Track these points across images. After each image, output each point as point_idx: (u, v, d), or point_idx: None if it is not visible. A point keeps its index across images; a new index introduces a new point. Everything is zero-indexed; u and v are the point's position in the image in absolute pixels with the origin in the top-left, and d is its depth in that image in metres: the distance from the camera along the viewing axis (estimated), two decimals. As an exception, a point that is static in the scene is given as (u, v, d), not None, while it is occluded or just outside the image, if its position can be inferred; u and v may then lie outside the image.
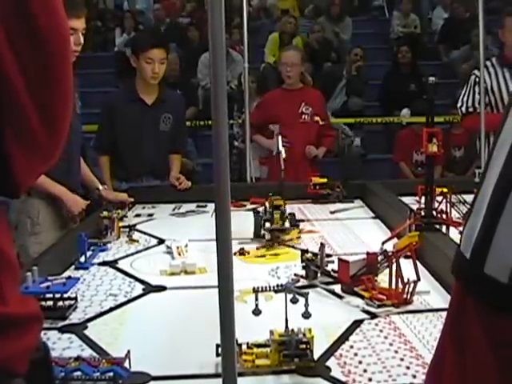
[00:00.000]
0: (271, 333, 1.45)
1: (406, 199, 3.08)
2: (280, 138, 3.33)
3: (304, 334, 1.43)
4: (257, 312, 1.51)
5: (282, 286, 1.51)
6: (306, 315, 1.49)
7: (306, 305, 1.48)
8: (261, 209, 2.87)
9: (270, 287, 1.54)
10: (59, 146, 0.76)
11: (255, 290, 1.53)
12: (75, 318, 1.80)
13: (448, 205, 2.62)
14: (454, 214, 2.68)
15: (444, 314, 1.71)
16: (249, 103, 4.30)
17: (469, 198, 3.02)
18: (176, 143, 3.77)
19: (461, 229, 2.44)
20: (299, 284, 2.02)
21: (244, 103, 4.25)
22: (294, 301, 1.51)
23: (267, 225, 2.60)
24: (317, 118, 4.51)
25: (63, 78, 0.73)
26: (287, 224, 2.63)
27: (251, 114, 4.48)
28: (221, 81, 1.08)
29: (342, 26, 9.25)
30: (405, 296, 1.80)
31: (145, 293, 2.03)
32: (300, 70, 4.57)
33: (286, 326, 1.44)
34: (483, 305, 0.65)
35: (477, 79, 3.84)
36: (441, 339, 0.77)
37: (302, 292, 1.47)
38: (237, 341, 1.38)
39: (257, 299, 1.53)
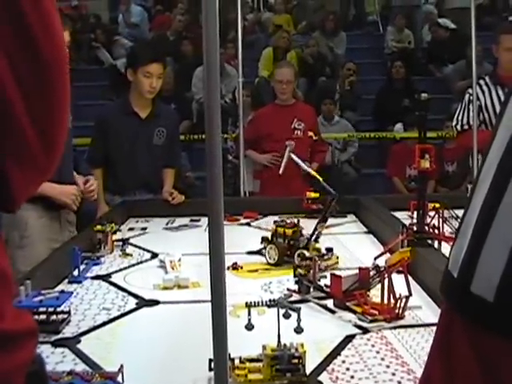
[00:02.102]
0: (264, 347, 1.45)
1: (399, 214, 3.10)
2: (290, 155, 3.32)
3: (296, 349, 1.43)
4: (249, 327, 1.52)
5: (274, 300, 1.51)
6: (298, 330, 1.50)
7: (298, 320, 1.49)
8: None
9: (262, 302, 1.55)
10: (55, 162, 0.77)
11: (248, 305, 1.54)
12: (68, 332, 1.80)
13: (440, 220, 2.64)
14: (447, 230, 2.70)
15: (435, 328, 1.74)
16: (243, 117, 4.32)
17: (461, 213, 3.03)
18: (169, 157, 3.79)
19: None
20: (292, 299, 2.03)
21: (238, 117, 4.27)
22: (287, 316, 1.52)
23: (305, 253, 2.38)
24: (310, 133, 4.54)
25: (62, 101, 0.75)
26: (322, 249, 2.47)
27: (244, 129, 4.50)
28: (214, 96, 1.09)
29: (336, 41, 9.31)
30: (397, 311, 1.81)
31: (138, 307, 2.03)
32: (293, 86, 4.61)
33: (279, 341, 1.45)
34: (470, 323, 0.66)
35: (471, 97, 3.88)
36: (429, 356, 0.79)
37: (294, 307, 1.48)
38: (229, 355, 1.39)
39: (249, 314, 1.53)
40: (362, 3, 10.98)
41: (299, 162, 3.30)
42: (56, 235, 3.02)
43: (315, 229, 2.51)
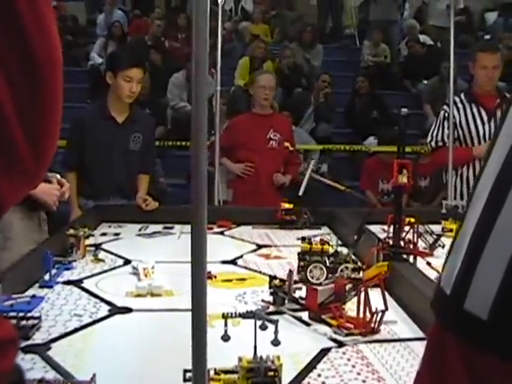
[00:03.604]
0: (239, 359, 1.43)
1: (373, 227, 3.10)
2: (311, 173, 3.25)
3: (273, 362, 1.41)
4: (226, 338, 1.50)
5: (252, 312, 1.50)
6: (276, 342, 1.49)
7: (276, 332, 1.48)
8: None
9: (240, 313, 1.53)
10: (44, 169, 0.75)
11: (225, 316, 1.52)
12: (39, 338, 1.76)
13: (415, 235, 2.65)
14: (420, 244, 2.71)
15: (411, 344, 1.74)
16: (219, 125, 4.31)
17: (435, 228, 3.06)
18: (145, 163, 3.76)
19: (428, 259, 2.48)
20: (269, 310, 2.02)
21: (213, 125, 4.26)
22: (263, 327, 1.50)
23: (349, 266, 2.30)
24: (287, 144, 4.54)
25: (54, 104, 0.73)
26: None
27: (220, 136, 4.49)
28: (202, 105, 1.08)
29: (313, 53, 9.36)
30: (372, 325, 1.80)
31: (110, 314, 2.00)
32: (274, 95, 4.62)
33: (255, 353, 1.43)
34: (463, 341, 0.65)
35: (446, 114, 3.92)
36: (419, 374, 0.77)
37: (272, 319, 1.46)
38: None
39: (226, 325, 1.52)
40: (339, 16, 11.06)
41: (322, 179, 3.25)
42: (36, 236, 2.97)
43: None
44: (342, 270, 2.29)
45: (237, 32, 10.68)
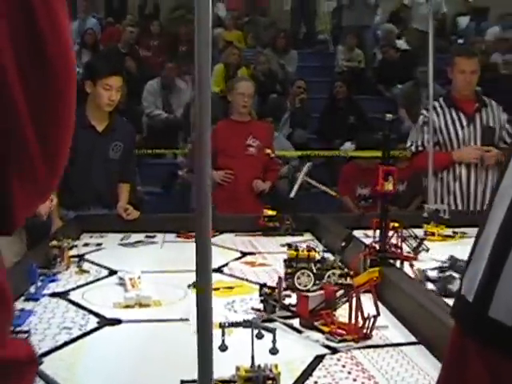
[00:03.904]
0: (237, 369, 1.43)
1: (355, 233, 3.11)
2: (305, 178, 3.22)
3: (271, 370, 1.41)
4: (223, 347, 1.49)
5: (249, 321, 1.49)
6: (274, 351, 1.48)
7: (274, 341, 1.47)
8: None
9: (237, 322, 1.53)
10: (56, 181, 0.74)
11: (222, 326, 1.51)
12: (29, 352, 1.73)
13: (399, 239, 2.66)
14: (404, 249, 2.72)
15: (404, 348, 1.75)
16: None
17: (417, 232, 3.07)
18: (125, 172, 3.73)
19: (413, 263, 2.49)
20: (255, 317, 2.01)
21: (189, 133, 4.23)
22: (260, 336, 1.50)
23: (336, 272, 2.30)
24: (268, 151, 4.54)
25: (67, 115, 0.72)
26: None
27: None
28: (205, 112, 1.07)
29: (287, 59, 9.37)
30: (365, 331, 1.80)
31: (100, 326, 1.98)
32: (252, 102, 4.62)
33: (253, 362, 1.42)
34: (487, 347, 0.65)
35: (425, 119, 3.94)
36: (440, 381, 0.77)
37: (269, 327, 1.46)
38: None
39: (223, 335, 1.51)
40: (312, 22, 11.10)
41: (316, 184, 3.24)
42: (17, 247, 2.93)
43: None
44: (329, 276, 2.29)
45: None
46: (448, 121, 3.95)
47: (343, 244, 2.45)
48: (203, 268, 1.02)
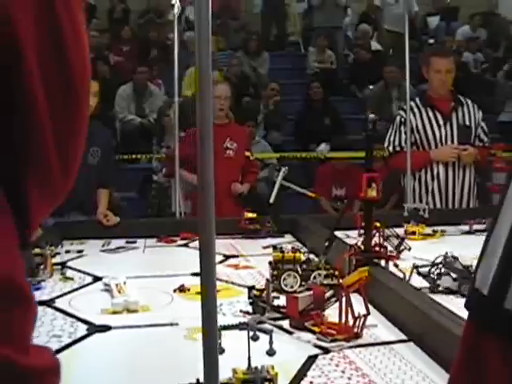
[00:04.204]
0: (234, 371, 1.43)
1: (335, 233, 3.12)
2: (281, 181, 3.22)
3: (268, 371, 1.42)
4: (220, 350, 1.50)
5: (245, 323, 1.50)
6: (271, 352, 1.49)
7: (271, 342, 1.48)
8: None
9: (233, 325, 1.53)
10: (70, 185, 0.74)
11: (218, 328, 1.51)
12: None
13: (381, 239, 2.68)
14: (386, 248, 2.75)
15: (395, 346, 1.77)
16: (169, 137, 4.27)
17: (398, 231, 3.10)
18: (103, 177, 3.71)
19: (397, 262, 2.51)
20: (244, 320, 2.01)
21: (163, 137, 4.21)
22: (255, 338, 1.50)
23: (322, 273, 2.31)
24: (247, 154, 4.54)
25: (83, 126, 0.72)
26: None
27: (173, 147, 4.45)
28: (207, 116, 1.07)
29: (259, 61, 9.39)
30: (355, 330, 1.82)
31: (89, 333, 1.97)
32: (229, 104, 4.62)
33: (249, 364, 1.43)
34: (504, 340, 0.66)
35: (402, 119, 3.98)
36: (453, 380, 0.78)
37: (266, 329, 1.47)
38: (198, 380, 1.37)
39: (220, 337, 1.51)
40: (283, 24, 11.13)
41: (293, 186, 3.25)
42: None
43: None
44: (314, 277, 2.31)
45: (182, 42, 10.64)
46: (425, 120, 3.99)
47: (326, 244, 2.47)
48: (207, 272, 1.03)
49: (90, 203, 3.63)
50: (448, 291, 2.21)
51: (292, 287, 2.30)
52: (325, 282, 2.26)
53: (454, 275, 2.22)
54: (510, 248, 0.68)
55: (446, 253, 2.33)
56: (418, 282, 2.30)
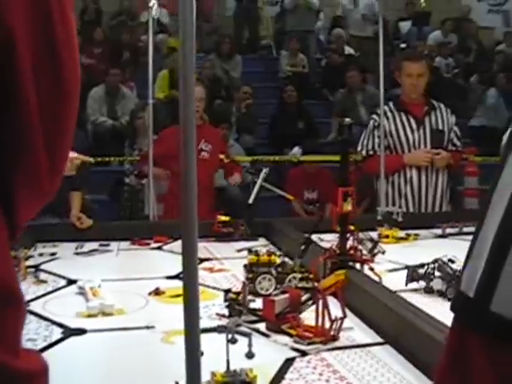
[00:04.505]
0: (213, 374, 1.43)
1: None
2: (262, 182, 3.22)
3: (246, 374, 1.42)
4: (200, 353, 1.49)
5: (223, 326, 1.50)
6: (250, 355, 1.49)
7: (250, 345, 1.49)
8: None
9: (212, 328, 1.53)
10: (57, 186, 0.74)
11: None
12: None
13: (355, 242, 2.70)
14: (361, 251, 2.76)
15: (371, 349, 1.78)
16: (141, 139, 4.25)
17: (372, 234, 3.12)
18: (76, 180, 3.68)
19: (372, 265, 2.53)
20: (221, 323, 2.01)
21: (135, 139, 4.18)
22: (233, 341, 1.51)
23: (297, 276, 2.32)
24: (222, 157, 4.54)
25: (72, 126, 0.72)
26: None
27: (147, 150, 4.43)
28: (190, 120, 1.08)
29: (231, 64, 9.39)
30: (332, 333, 1.83)
31: (65, 336, 1.95)
32: (204, 106, 4.62)
33: (228, 367, 1.43)
34: (490, 341, 0.68)
35: (376, 123, 4.01)
36: (440, 377, 0.79)
37: (245, 332, 1.47)
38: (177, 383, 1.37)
39: (199, 340, 1.51)
40: (255, 27, 11.15)
41: (272, 188, 3.24)
42: None
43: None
44: (290, 280, 2.31)
45: (154, 45, 10.59)
46: (398, 124, 4.02)
47: (303, 248, 2.48)
48: (190, 274, 1.03)
49: (63, 206, 3.59)
50: (439, 293, 2.24)
51: (267, 290, 2.30)
52: (300, 285, 2.27)
53: (442, 277, 2.25)
54: (496, 251, 0.69)
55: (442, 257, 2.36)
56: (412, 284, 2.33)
